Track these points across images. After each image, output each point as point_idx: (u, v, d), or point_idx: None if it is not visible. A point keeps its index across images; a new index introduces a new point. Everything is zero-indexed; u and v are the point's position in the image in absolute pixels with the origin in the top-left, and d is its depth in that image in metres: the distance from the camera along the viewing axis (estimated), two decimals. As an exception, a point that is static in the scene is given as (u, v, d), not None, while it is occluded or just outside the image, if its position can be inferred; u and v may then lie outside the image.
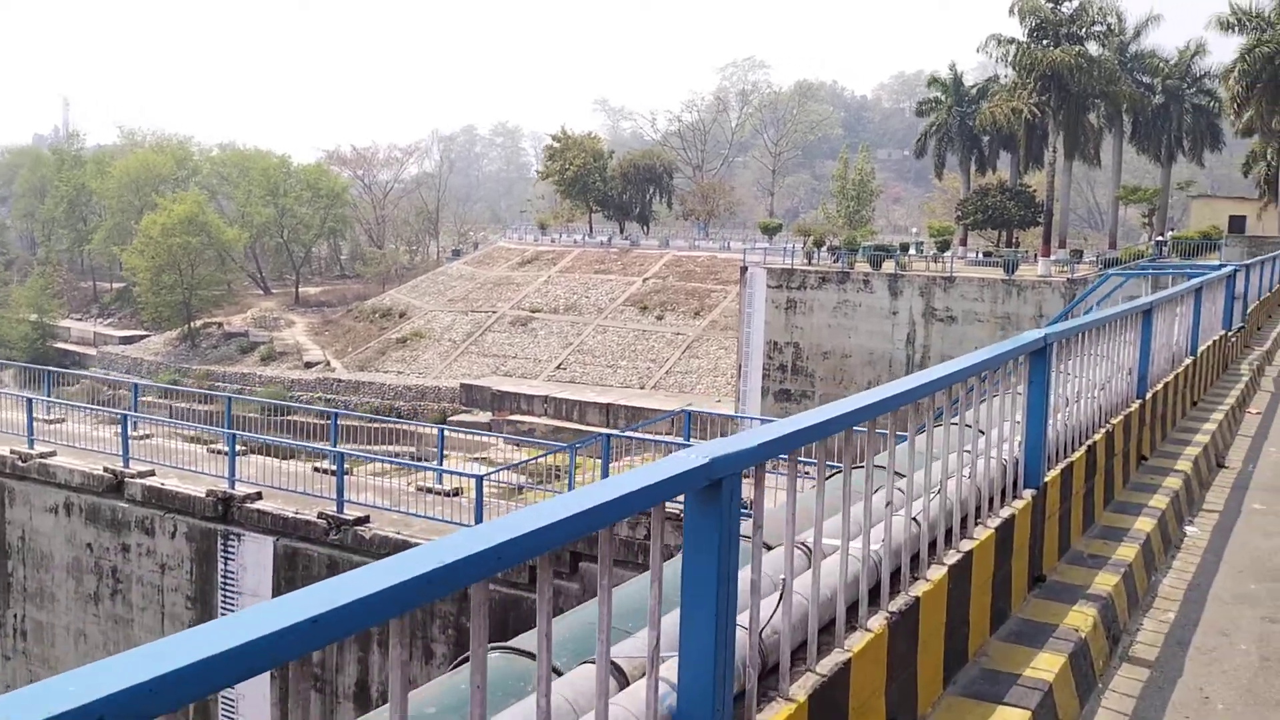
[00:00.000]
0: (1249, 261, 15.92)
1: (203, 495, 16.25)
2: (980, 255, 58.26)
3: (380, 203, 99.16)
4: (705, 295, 63.55)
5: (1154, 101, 56.40)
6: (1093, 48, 49.07)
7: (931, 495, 4.17)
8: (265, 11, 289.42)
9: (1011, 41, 47.91)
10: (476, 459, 52.92)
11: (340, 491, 15.07)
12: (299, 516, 15.52)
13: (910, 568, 4.00)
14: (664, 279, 66.75)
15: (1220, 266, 13.76)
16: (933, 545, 4.20)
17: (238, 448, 16.92)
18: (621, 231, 77.05)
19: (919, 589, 3.97)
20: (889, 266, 44.89)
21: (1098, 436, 6.67)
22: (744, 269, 49.14)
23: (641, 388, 56.94)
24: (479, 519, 13.66)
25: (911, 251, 51.71)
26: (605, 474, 18.30)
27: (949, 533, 4.36)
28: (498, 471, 16.53)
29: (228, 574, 15.72)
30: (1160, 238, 48.29)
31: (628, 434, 19.83)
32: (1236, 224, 55.44)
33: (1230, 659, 5.21)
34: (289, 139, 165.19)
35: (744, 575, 2.99)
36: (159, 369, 68.37)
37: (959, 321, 43.35)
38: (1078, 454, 6.21)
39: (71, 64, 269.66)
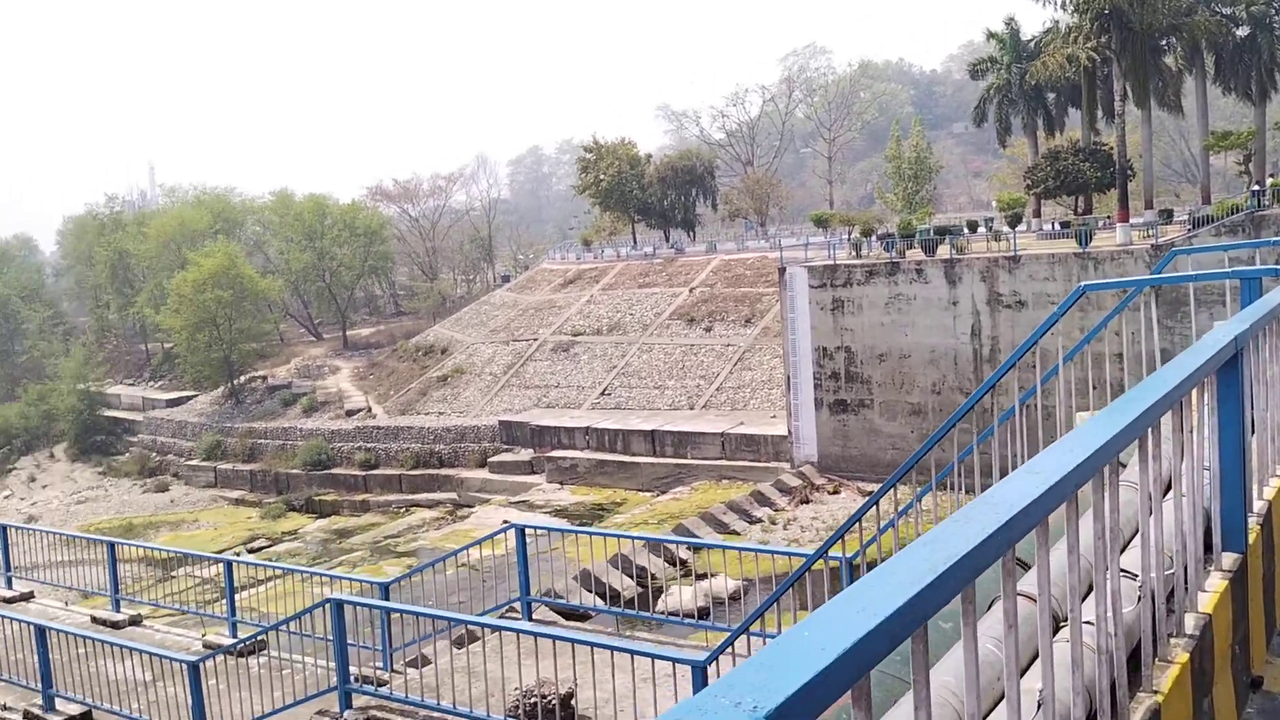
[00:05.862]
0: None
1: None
2: (1056, 226, 51.95)
3: (429, 234, 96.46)
4: (756, 300, 58.33)
5: (1238, 34, 49.30)
6: (1158, -23, 42.57)
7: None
8: (320, 55, 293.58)
9: (1060, -21, 41.82)
10: (516, 503, 49.37)
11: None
12: None
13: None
14: (711, 286, 61.80)
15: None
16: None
17: None
18: (666, 240, 72.27)
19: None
20: (944, 251, 39.56)
21: None
22: (782, 270, 44.20)
23: (691, 408, 52.21)
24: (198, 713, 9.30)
25: (980, 229, 46.01)
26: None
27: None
28: (258, 635, 12.01)
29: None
30: (1257, 186, 41.45)
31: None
32: (1352, 161, 48.17)
33: None
34: (346, 181, 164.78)
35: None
36: (203, 430, 66.23)
37: (1029, 306, 38.13)
38: None
39: (150, 128, 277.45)
